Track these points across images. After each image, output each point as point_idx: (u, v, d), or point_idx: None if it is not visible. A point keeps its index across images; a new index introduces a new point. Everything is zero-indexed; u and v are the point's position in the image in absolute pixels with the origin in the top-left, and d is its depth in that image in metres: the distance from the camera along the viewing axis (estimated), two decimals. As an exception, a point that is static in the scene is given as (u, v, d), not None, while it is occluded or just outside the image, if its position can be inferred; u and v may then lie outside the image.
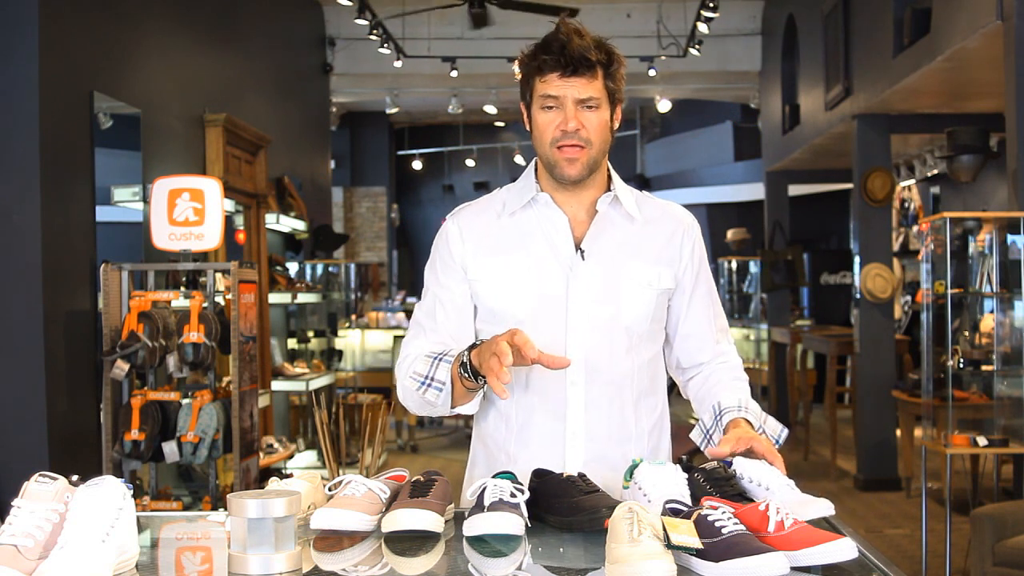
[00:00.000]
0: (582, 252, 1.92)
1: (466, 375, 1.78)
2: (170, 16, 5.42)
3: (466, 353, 1.78)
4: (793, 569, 1.38)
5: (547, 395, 1.91)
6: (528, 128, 1.95)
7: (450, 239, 1.97)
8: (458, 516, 1.74)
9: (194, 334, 3.85)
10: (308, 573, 1.46)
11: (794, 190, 10.52)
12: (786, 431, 1.93)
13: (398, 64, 8.92)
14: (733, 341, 2.12)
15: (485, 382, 1.76)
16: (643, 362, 1.97)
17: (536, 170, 1.99)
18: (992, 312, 5.46)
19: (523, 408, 1.93)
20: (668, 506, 1.54)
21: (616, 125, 1.94)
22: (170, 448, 3.88)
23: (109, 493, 1.40)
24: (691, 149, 14.72)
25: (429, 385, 1.83)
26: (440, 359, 1.85)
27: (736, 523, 1.43)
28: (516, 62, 1.94)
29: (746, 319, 11.54)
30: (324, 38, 9.29)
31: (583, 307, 1.91)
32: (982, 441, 4.69)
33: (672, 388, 2.16)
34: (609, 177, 1.99)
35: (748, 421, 1.86)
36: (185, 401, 3.97)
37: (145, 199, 4.71)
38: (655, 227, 1.98)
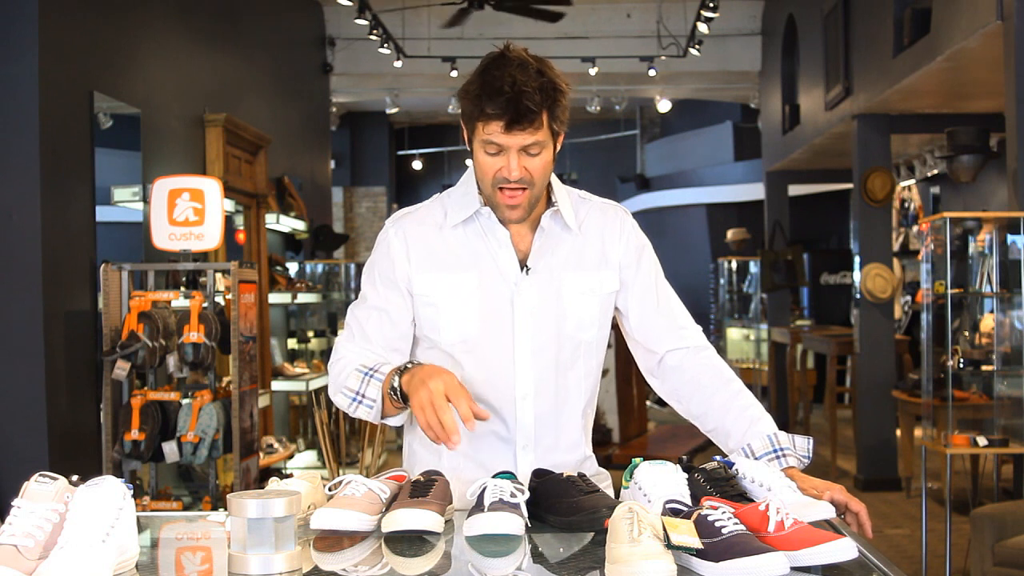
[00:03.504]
0: (527, 269, 1.92)
1: (395, 398, 1.79)
2: (170, 16, 5.42)
3: (396, 378, 1.77)
4: (793, 569, 1.37)
5: (496, 410, 1.90)
6: (469, 148, 1.91)
7: (393, 251, 1.94)
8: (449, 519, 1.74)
9: (194, 334, 3.85)
10: (308, 573, 1.46)
11: (794, 190, 10.52)
12: (811, 441, 1.91)
13: (398, 64, 8.92)
14: (696, 324, 2.07)
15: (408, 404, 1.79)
16: (589, 370, 1.98)
17: (478, 186, 1.95)
18: (992, 312, 5.46)
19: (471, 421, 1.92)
20: (668, 506, 1.54)
21: (558, 148, 1.91)
22: (170, 448, 3.88)
23: (109, 493, 1.40)
24: (691, 149, 14.72)
25: (360, 402, 1.83)
26: (371, 375, 1.83)
27: (736, 523, 1.43)
28: (459, 91, 1.89)
29: (746, 319, 11.54)
30: (324, 38, 9.29)
31: (530, 323, 1.91)
32: (982, 441, 4.69)
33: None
34: (550, 189, 1.97)
35: (792, 465, 1.83)
36: (185, 401, 3.97)
37: (145, 199, 4.71)
38: (591, 232, 1.99)
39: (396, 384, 1.77)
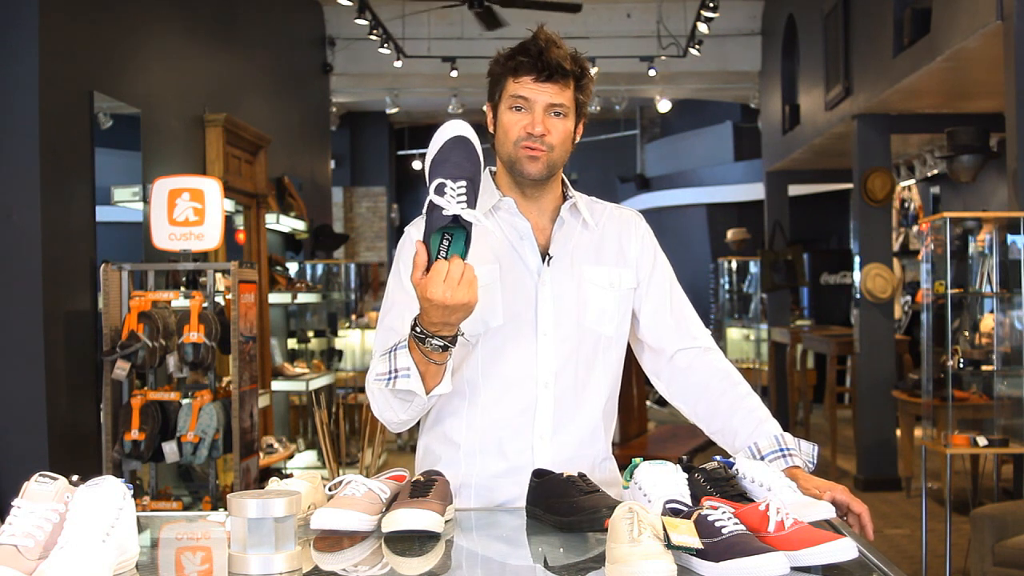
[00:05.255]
0: (549, 258, 1.95)
1: (427, 346, 1.71)
2: (170, 16, 5.42)
3: (417, 326, 1.71)
4: (793, 569, 1.38)
5: (517, 398, 1.91)
6: (491, 130, 1.97)
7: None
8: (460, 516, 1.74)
9: (194, 334, 3.85)
10: (308, 573, 1.46)
11: (794, 190, 10.52)
12: (816, 447, 1.92)
13: (398, 64, 8.92)
14: (705, 327, 2.09)
15: (453, 342, 1.71)
16: (609, 365, 1.99)
17: (493, 178, 2.01)
18: (992, 312, 5.46)
19: (491, 410, 1.92)
20: (668, 506, 1.54)
21: (577, 138, 1.98)
22: (170, 448, 3.88)
23: (109, 493, 1.40)
24: (691, 149, 14.72)
25: (396, 376, 1.75)
26: (394, 350, 1.77)
27: (736, 523, 1.43)
28: (490, 62, 1.96)
29: (746, 319, 11.54)
30: (324, 38, 9.29)
31: (552, 313, 1.93)
32: (982, 441, 4.69)
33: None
34: (564, 185, 2.03)
35: (797, 465, 1.84)
36: (185, 401, 3.97)
37: (145, 199, 4.71)
38: (608, 231, 2.03)
39: (418, 330, 1.70)
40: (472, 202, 1.65)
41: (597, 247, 2.00)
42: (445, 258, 1.64)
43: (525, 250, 1.95)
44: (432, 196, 1.64)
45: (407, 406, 1.82)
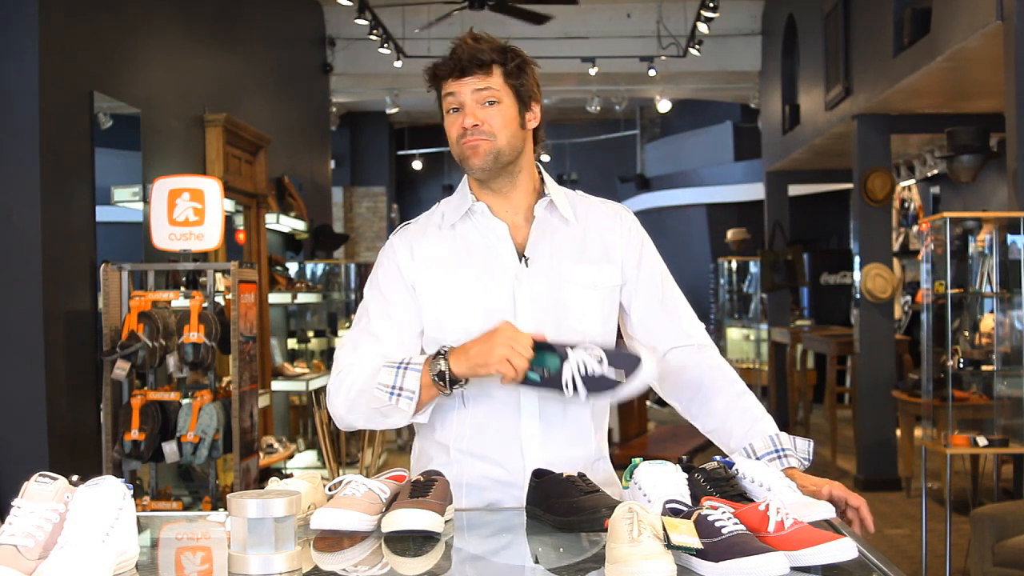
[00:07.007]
0: (526, 260, 1.94)
1: (442, 383, 1.80)
2: (170, 16, 5.42)
3: (442, 363, 1.80)
4: (793, 569, 1.38)
5: (503, 400, 1.91)
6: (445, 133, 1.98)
7: (398, 256, 1.97)
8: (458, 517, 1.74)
9: (194, 334, 3.85)
10: (308, 573, 1.46)
11: (794, 190, 10.52)
12: (812, 443, 1.92)
13: (398, 64, 8.92)
14: (700, 322, 2.08)
15: (454, 384, 1.81)
16: None
17: (468, 183, 2.00)
18: (992, 312, 5.46)
19: (478, 413, 1.92)
20: (668, 506, 1.54)
21: (534, 123, 1.96)
22: (170, 448, 3.88)
23: (109, 493, 1.40)
24: (691, 149, 14.72)
25: (399, 395, 1.81)
26: (406, 368, 1.83)
27: (736, 523, 1.43)
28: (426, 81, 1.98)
29: (746, 319, 11.54)
30: (324, 38, 9.29)
31: (531, 315, 1.91)
32: (982, 441, 4.69)
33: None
34: (542, 180, 2.01)
35: (793, 465, 1.84)
36: (185, 401, 3.97)
37: (145, 199, 4.71)
38: (590, 226, 2.00)
39: (444, 368, 1.79)
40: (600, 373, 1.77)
41: (580, 245, 1.97)
42: (537, 364, 1.77)
43: (502, 252, 1.94)
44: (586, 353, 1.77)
45: (379, 419, 1.88)
